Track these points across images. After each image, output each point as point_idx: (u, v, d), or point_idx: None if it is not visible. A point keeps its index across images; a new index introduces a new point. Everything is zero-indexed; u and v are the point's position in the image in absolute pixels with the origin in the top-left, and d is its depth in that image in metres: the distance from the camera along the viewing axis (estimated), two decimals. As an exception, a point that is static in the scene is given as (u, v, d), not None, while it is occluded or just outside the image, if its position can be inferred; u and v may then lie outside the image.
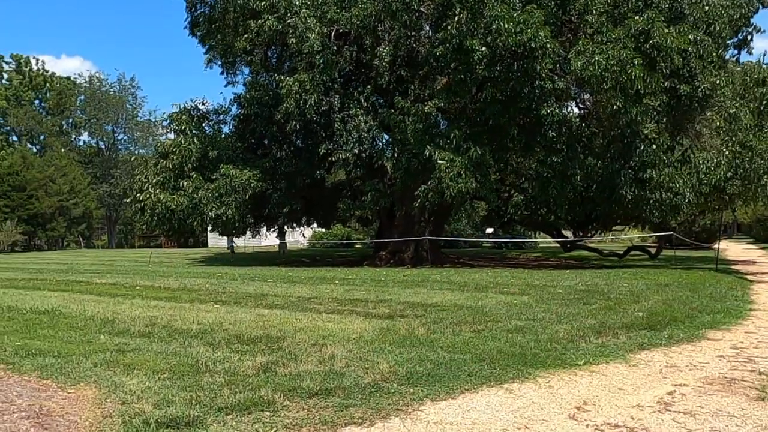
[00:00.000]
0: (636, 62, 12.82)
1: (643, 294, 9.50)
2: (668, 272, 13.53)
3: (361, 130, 18.67)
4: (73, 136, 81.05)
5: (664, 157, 14.73)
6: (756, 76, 15.45)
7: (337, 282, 11.81)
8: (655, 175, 14.32)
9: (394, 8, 15.66)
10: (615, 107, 13.25)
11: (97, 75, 79.35)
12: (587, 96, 20.51)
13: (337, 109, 19.58)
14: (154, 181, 19.43)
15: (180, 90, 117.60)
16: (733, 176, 14.02)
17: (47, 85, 77.01)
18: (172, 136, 20.63)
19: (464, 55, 14.47)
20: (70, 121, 79.46)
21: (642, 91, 12.90)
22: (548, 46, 13.57)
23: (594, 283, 11.10)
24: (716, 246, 19.41)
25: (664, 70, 13.50)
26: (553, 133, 15.52)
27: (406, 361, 5.57)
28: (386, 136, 18.49)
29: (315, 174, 20.34)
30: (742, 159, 13.76)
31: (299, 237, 49.41)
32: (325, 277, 13.10)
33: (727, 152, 14.33)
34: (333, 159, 19.09)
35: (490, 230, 43.00)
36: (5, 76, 74.15)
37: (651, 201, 14.65)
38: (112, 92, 77.17)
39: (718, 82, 14.44)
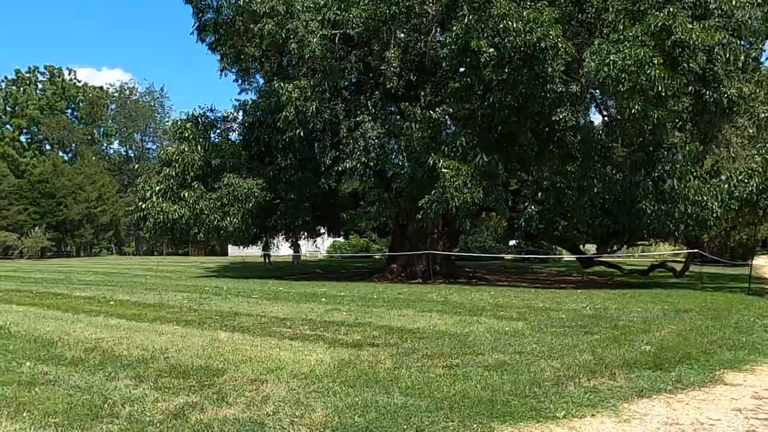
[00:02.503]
0: (656, 61, 11.67)
1: (657, 322, 8.37)
2: (692, 294, 12.25)
3: (368, 138, 17.87)
4: (104, 145, 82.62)
5: (690, 168, 13.48)
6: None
7: (323, 300, 10.95)
8: (677, 187, 13.07)
9: (394, 10, 14.83)
10: (633, 111, 12.11)
11: (127, 84, 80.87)
12: (611, 102, 19.39)
13: (343, 116, 18.86)
14: (156, 189, 18.95)
15: (212, 100, 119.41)
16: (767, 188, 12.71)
17: (80, 95, 78.62)
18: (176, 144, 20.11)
19: (471, 57, 13.55)
20: (102, 130, 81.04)
21: (663, 93, 11.74)
22: (560, 45, 12.52)
23: (604, 306, 9.98)
24: (751, 263, 17.86)
25: (688, 72, 12.31)
26: (572, 138, 14.42)
27: (349, 407, 4.67)
28: (395, 144, 17.60)
29: (321, 184, 19.59)
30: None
31: (319, 247, 48.95)
32: (316, 293, 12.26)
33: (759, 159, 13.00)
34: (339, 168, 18.29)
35: (513, 242, 41.68)
36: (39, 86, 76.04)
37: (675, 215, 13.40)
38: (141, 102, 78.45)
39: (744, 89, 13.16)
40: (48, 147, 76.10)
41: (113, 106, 80.00)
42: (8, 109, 73.69)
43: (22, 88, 74.87)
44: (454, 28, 13.71)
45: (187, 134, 19.40)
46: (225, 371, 5.77)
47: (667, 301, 10.75)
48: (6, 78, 74.60)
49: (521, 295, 11.66)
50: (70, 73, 78.81)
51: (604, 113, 20.72)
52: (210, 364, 6.01)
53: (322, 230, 29.65)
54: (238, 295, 11.89)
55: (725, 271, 24.28)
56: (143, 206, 18.76)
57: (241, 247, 29.74)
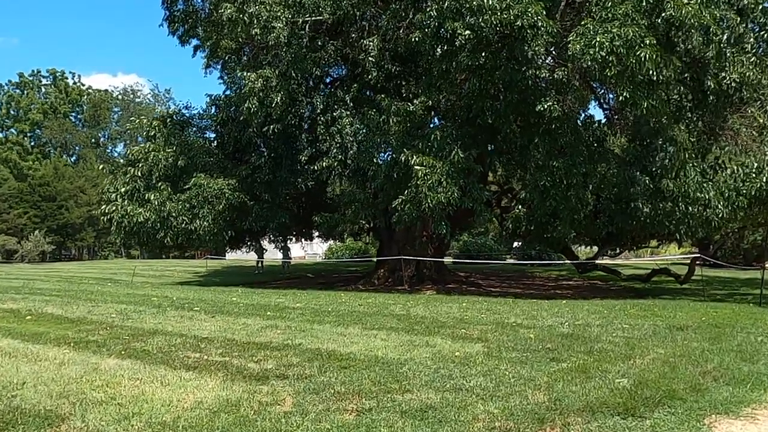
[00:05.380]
0: (647, 42, 10.25)
1: (643, 344, 6.96)
2: (692, 306, 10.77)
3: (345, 134, 16.61)
4: (109, 148, 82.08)
5: (692, 163, 12.03)
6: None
7: (269, 313, 9.67)
8: (673, 185, 11.62)
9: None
10: (621, 98, 10.71)
11: (131, 87, 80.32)
12: (612, 96, 17.96)
13: (320, 111, 17.64)
14: (122, 190, 17.82)
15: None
16: (780, 184, 11.22)
17: (83, 98, 78.23)
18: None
19: (445, 42, 12.21)
20: (106, 133, 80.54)
21: (654, 78, 10.31)
22: (540, 24, 11.13)
23: (586, 322, 8.57)
24: (764, 270, 16.21)
25: (685, 54, 10.87)
26: (559, 130, 13.01)
27: (179, 484, 3.37)
28: (371, 141, 16.28)
29: (297, 183, 18.35)
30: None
31: (317, 251, 47.79)
32: (269, 304, 10.98)
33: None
34: (315, 167, 17.02)
35: (516, 244, 40.23)
36: (42, 90, 75.74)
37: (676, 214, 11.95)
38: (145, 104, 77.86)
39: (748, 74, 11.70)
40: (51, 150, 75.74)
41: (117, 109, 79.59)
42: (11, 112, 73.45)
43: (25, 92, 74.62)
44: (427, 9, 12.40)
45: (153, 133, 18.25)
46: (66, 419, 4.52)
47: (662, 314, 9.32)
48: (9, 81, 74.47)
49: (497, 307, 10.29)
50: (73, 77, 78.51)
51: (605, 106, 19.28)
52: (56, 408, 4.75)
53: (316, 233, 28.47)
54: (181, 307, 10.64)
55: (737, 275, 22.66)
56: (107, 209, 17.63)
57: (261, 252, 28.87)
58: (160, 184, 17.51)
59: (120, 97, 78.44)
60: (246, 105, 14.58)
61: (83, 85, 79.12)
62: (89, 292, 13.78)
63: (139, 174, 17.82)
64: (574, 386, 5.26)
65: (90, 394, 5.12)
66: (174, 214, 17.38)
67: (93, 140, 78.61)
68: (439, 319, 8.87)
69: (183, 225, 17.46)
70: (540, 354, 6.51)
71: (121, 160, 18.76)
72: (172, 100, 79.78)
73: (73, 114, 78.80)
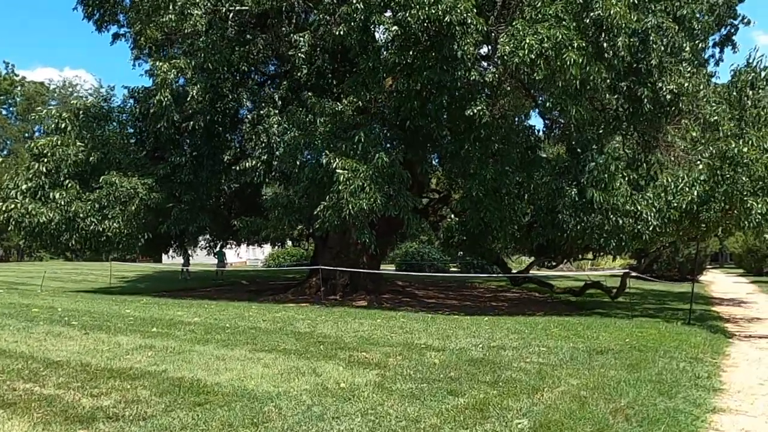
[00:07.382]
0: (575, 44, 9.70)
1: (556, 373, 6.22)
2: (618, 325, 10.22)
3: (271, 134, 15.55)
4: (44, 143, 77.70)
5: (622, 173, 11.59)
6: (744, 77, 12.33)
7: (154, 330, 8.52)
8: (597, 196, 11.12)
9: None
10: (547, 104, 10.14)
11: (70, 80, 76.50)
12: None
13: (246, 108, 16.57)
14: (23, 187, 16.16)
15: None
16: (710, 197, 10.83)
17: (17, 89, 73.93)
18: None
19: (371, 37, 11.39)
20: (41, 127, 76.31)
21: (577, 83, 9.75)
22: (470, 21, 10.45)
23: (502, 344, 7.82)
24: (696, 283, 16.07)
25: (619, 62, 10.37)
26: (491, 136, 12.36)
27: None
28: (295, 141, 15.28)
29: (221, 185, 17.15)
30: (723, 174, 10.54)
31: (258, 257, 46.25)
32: (161, 319, 9.81)
33: (701, 165, 11.20)
34: (238, 168, 15.87)
35: (461, 253, 39.91)
36: (-30, 79, 71.14)
37: (605, 228, 11.46)
38: (83, 99, 74.16)
39: (686, 84, 11.39)
40: (-20, 144, 71.14)
41: (54, 103, 75.51)
42: (-65, 102, 68.64)
43: (-49, 81, 69.91)
44: (354, 1, 11.54)
45: (63, 125, 16.69)
46: None
47: (585, 334, 8.68)
48: (-66, 69, 69.54)
49: (412, 325, 9.44)
50: (7, 67, 74.04)
51: (546, 115, 18.90)
52: None
53: (233, 237, 27.05)
54: (58, 321, 9.35)
55: (671, 288, 22.71)
56: (4, 207, 15.93)
57: (187, 258, 27.24)
58: (67, 181, 16.00)
59: (57, 90, 74.43)
60: (157, 97, 13.36)
61: (17, 75, 74.75)
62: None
63: (45, 170, 16.22)
64: (464, 430, 4.42)
65: None
66: (81, 215, 15.92)
67: (26, 134, 74.25)
68: (344, 339, 7.95)
69: (92, 227, 15.99)
70: (439, 385, 5.66)
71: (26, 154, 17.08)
72: (115, 96, 76.42)
73: (5, 107, 74.36)
